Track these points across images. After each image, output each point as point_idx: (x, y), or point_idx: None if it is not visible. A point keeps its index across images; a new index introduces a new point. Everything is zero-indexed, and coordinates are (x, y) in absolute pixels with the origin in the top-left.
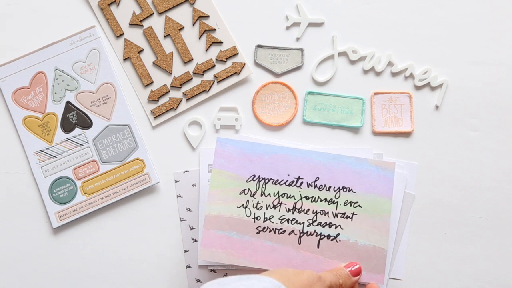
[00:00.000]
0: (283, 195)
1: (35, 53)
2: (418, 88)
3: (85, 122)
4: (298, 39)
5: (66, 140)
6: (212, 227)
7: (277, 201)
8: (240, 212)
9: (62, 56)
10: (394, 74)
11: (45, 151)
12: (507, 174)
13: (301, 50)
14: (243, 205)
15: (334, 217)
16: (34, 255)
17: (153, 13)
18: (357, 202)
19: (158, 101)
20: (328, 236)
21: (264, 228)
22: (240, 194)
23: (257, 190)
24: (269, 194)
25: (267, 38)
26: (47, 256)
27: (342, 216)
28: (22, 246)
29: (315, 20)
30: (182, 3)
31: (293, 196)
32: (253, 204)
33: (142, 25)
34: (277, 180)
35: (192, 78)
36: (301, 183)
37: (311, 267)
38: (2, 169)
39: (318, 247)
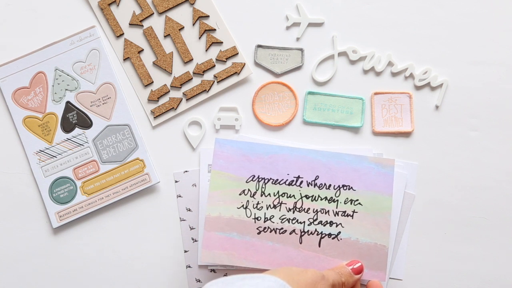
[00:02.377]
0: (283, 195)
1: (35, 53)
2: (418, 88)
3: (85, 122)
4: (298, 39)
5: (66, 140)
6: (213, 228)
7: (277, 201)
8: (240, 213)
9: (62, 56)
10: (394, 74)
11: (45, 151)
12: (507, 174)
13: (301, 50)
14: (243, 205)
15: (335, 215)
16: (34, 255)
17: (153, 13)
18: (357, 200)
19: (158, 101)
20: (329, 235)
21: (265, 228)
22: (240, 194)
23: (257, 190)
24: (269, 194)
25: (267, 38)
26: (47, 256)
27: (343, 214)
28: (22, 246)
29: (315, 20)
30: (182, 3)
31: (293, 195)
32: (253, 204)
33: (142, 25)
34: (277, 179)
35: (192, 78)
36: (301, 182)
37: (312, 266)
38: (2, 169)
39: (319, 246)
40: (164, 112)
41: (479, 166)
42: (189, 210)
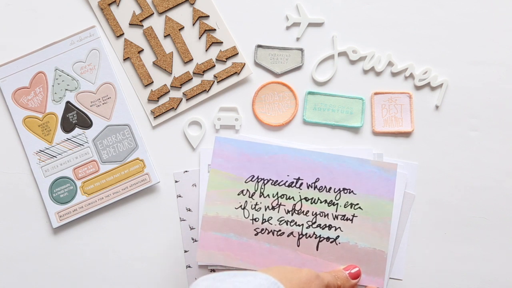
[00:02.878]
0: (282, 196)
1: (35, 53)
2: (418, 88)
3: (85, 122)
4: (298, 39)
5: (66, 140)
6: (210, 228)
7: (276, 202)
8: (238, 213)
9: (62, 56)
10: (394, 74)
11: (45, 151)
12: (507, 174)
13: (301, 50)
14: (241, 206)
15: (334, 219)
16: (34, 255)
17: (153, 13)
18: (357, 204)
19: (158, 101)
20: (328, 239)
21: (262, 229)
22: (238, 194)
23: (256, 191)
24: (268, 195)
25: (267, 38)
26: (47, 256)
27: (342, 218)
28: (22, 246)
29: (315, 20)
30: (182, 3)
31: (293, 197)
32: (252, 205)
33: (142, 25)
34: (277, 181)
35: (192, 78)
36: (301, 184)
37: None
38: (2, 169)
39: (317, 249)
40: (164, 112)
41: (479, 166)
42: (189, 210)
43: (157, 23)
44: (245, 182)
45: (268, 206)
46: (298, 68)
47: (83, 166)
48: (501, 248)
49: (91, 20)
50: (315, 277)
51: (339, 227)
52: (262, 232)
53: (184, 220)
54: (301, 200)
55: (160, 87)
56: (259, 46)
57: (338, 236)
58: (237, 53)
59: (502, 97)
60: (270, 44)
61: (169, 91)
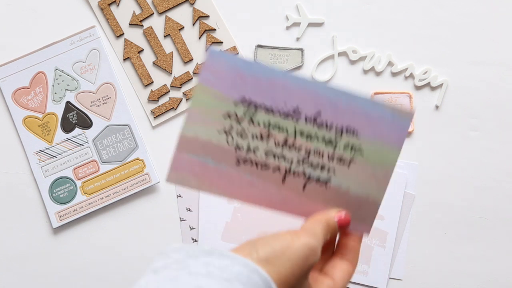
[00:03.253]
0: (274, 126)
1: (35, 53)
2: (418, 88)
3: (85, 122)
4: (298, 39)
5: (66, 140)
6: (185, 149)
7: (266, 132)
8: (220, 138)
9: (62, 56)
10: (394, 74)
11: (45, 151)
12: (507, 174)
13: (301, 50)
14: (225, 130)
15: (329, 160)
16: (34, 255)
17: (153, 13)
18: (359, 147)
19: (158, 101)
20: (317, 180)
21: (245, 159)
22: (223, 116)
23: (244, 115)
24: (259, 122)
25: (267, 38)
26: (47, 256)
27: (339, 160)
28: (22, 246)
29: (315, 20)
30: (182, 3)
31: (286, 129)
32: (237, 131)
33: (142, 25)
34: (271, 108)
35: (192, 78)
36: (299, 116)
37: (292, 209)
38: (2, 169)
39: (303, 189)
40: (164, 112)
41: (479, 166)
42: (189, 210)
43: (157, 23)
44: (234, 104)
45: (256, 135)
46: (298, 68)
47: (83, 166)
48: (501, 248)
49: (91, 20)
50: (310, 252)
51: (333, 169)
52: (245, 162)
53: (184, 220)
54: (295, 133)
55: (160, 87)
56: (259, 46)
57: (330, 179)
58: (237, 53)
59: (502, 97)
60: (270, 44)
61: (169, 91)
